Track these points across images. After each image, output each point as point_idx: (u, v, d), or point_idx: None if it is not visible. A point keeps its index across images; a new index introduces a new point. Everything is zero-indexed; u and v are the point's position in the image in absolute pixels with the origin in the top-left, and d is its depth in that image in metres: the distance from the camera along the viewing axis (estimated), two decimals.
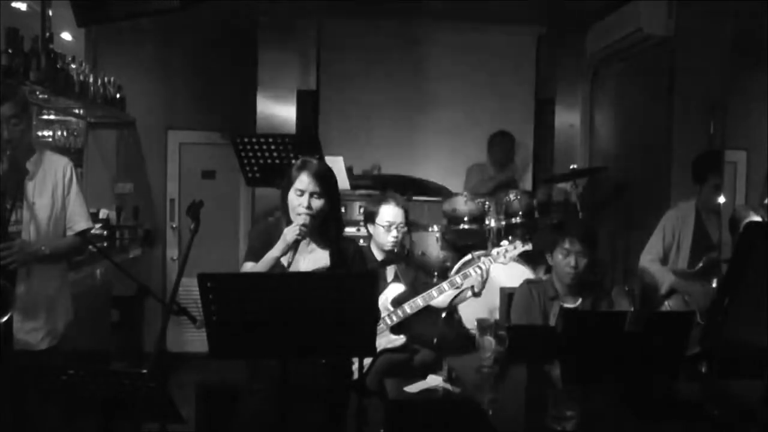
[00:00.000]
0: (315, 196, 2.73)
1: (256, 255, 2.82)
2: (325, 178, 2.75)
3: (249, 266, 2.83)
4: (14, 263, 2.85)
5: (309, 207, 2.73)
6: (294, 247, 2.74)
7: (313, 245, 2.86)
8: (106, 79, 5.69)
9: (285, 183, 2.81)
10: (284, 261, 2.81)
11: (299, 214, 2.74)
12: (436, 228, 5.16)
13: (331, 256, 2.84)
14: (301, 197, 2.74)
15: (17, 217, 2.96)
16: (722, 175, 4.30)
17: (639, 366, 2.51)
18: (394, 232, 3.75)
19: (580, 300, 3.41)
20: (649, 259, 4.30)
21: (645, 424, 2.36)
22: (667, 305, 4.14)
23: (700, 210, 4.28)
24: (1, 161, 2.87)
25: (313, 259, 2.84)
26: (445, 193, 5.40)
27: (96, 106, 5.62)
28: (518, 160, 6.17)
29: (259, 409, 2.83)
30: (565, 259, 3.37)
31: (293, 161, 4.10)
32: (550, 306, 3.40)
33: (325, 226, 2.82)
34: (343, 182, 5.00)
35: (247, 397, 2.95)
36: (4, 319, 2.81)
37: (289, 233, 2.73)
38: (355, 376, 3.12)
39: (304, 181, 2.74)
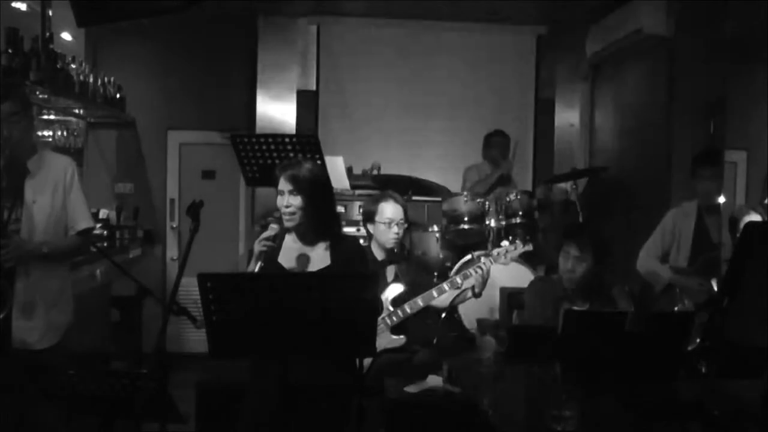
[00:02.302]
0: (292, 194, 2.81)
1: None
2: (298, 178, 2.80)
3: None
4: (10, 261, 2.84)
5: (287, 206, 2.81)
6: (262, 257, 2.79)
7: (305, 248, 2.87)
8: (106, 79, 5.69)
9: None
10: (282, 261, 2.84)
11: (283, 214, 2.83)
12: (436, 228, 5.16)
13: (331, 253, 2.86)
14: (282, 197, 2.83)
15: (17, 215, 2.96)
16: (714, 167, 4.29)
17: (639, 366, 2.52)
18: (395, 229, 3.74)
19: (588, 305, 3.42)
20: (647, 255, 4.31)
21: (645, 424, 2.36)
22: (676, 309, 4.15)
23: (702, 210, 4.28)
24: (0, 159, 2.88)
25: (307, 260, 2.86)
26: (445, 193, 5.40)
27: (96, 106, 5.62)
28: (515, 159, 6.16)
29: (261, 408, 2.84)
30: (564, 263, 3.40)
31: None
32: (559, 304, 3.42)
33: (313, 225, 2.84)
34: (343, 182, 5.01)
35: (249, 396, 2.95)
36: (1, 316, 2.80)
37: (256, 246, 2.81)
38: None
39: (281, 182, 2.83)
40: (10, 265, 2.85)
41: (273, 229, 2.81)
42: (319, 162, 3.73)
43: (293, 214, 2.81)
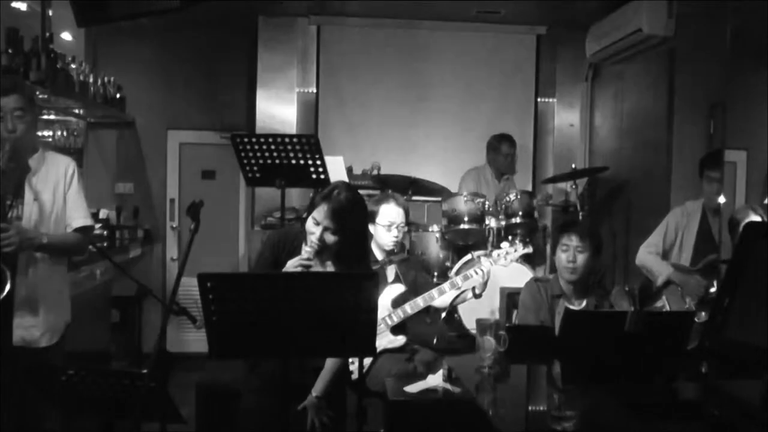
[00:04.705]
0: (329, 231, 2.71)
1: (264, 264, 2.83)
2: (341, 217, 2.69)
3: None
4: (11, 246, 2.83)
5: (320, 240, 2.71)
6: None
7: (328, 263, 2.86)
8: (106, 79, 5.69)
9: (309, 205, 2.80)
10: None
11: (311, 242, 2.73)
12: (436, 228, 5.16)
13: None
14: (316, 227, 2.72)
15: (18, 213, 2.96)
16: (721, 169, 4.30)
17: (639, 366, 2.52)
18: (394, 232, 3.75)
19: (585, 302, 3.42)
20: (647, 251, 4.31)
21: (645, 424, 2.36)
22: (664, 300, 4.15)
23: (707, 210, 4.29)
24: (4, 152, 2.87)
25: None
26: (445, 193, 5.40)
27: (96, 106, 5.62)
28: (518, 165, 6.15)
29: (258, 407, 2.84)
30: (563, 255, 3.39)
31: (292, 161, 4.13)
32: (555, 304, 3.41)
33: (341, 258, 2.80)
34: None
35: (245, 395, 2.95)
36: (4, 293, 2.79)
37: (291, 269, 2.71)
38: (355, 376, 3.12)
39: (321, 212, 2.71)
40: (11, 250, 2.84)
41: (308, 252, 2.71)
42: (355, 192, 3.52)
43: (322, 248, 2.72)
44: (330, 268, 2.83)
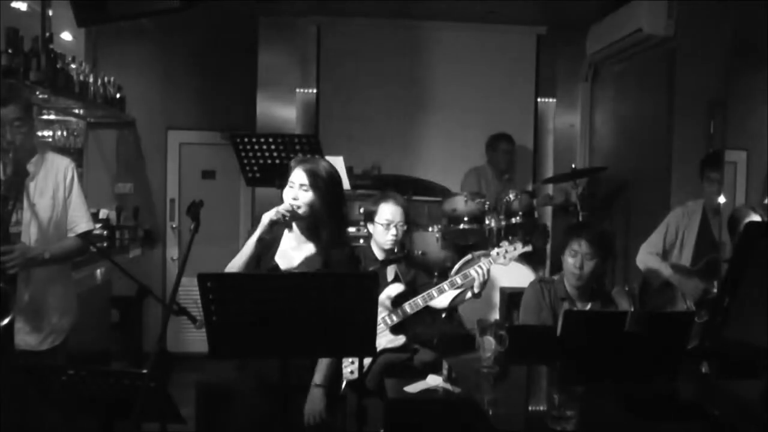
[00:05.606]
0: (303, 188, 2.78)
1: (250, 262, 2.83)
2: (316, 174, 2.78)
3: (235, 258, 2.85)
4: (14, 268, 2.84)
5: (295, 198, 2.78)
6: (269, 230, 2.78)
7: (309, 243, 2.86)
8: (106, 79, 5.68)
9: (285, 180, 2.85)
10: (279, 261, 2.84)
11: (287, 203, 2.80)
12: (436, 228, 5.16)
13: (325, 259, 2.84)
14: (291, 190, 2.81)
15: (18, 217, 2.96)
16: (721, 170, 4.31)
17: (639, 366, 2.52)
18: (393, 231, 3.75)
19: (589, 305, 3.41)
20: (647, 252, 4.31)
21: (645, 424, 2.36)
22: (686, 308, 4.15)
23: (707, 210, 4.29)
24: (3, 164, 2.87)
25: (306, 253, 2.85)
26: (445, 193, 5.40)
27: (96, 106, 5.62)
28: (518, 165, 6.17)
29: (251, 406, 2.85)
30: (571, 260, 3.37)
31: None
32: (559, 306, 3.39)
33: (317, 226, 2.82)
34: (344, 182, 5.01)
35: (239, 396, 2.95)
36: (5, 322, 2.80)
37: (266, 215, 2.78)
38: (356, 375, 3.12)
39: (296, 174, 2.80)
40: (14, 272, 2.85)
41: (288, 206, 2.77)
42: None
43: (299, 208, 2.79)
44: (306, 244, 2.84)
